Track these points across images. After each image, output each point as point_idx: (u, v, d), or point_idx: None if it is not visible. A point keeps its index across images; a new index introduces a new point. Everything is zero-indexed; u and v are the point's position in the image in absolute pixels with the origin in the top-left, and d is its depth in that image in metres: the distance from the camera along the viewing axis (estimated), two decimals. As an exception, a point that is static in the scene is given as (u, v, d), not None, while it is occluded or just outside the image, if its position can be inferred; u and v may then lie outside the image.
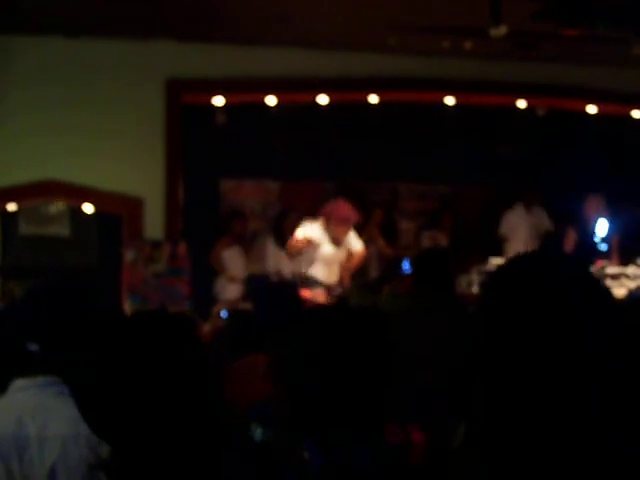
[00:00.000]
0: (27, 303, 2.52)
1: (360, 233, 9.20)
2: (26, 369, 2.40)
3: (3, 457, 2.27)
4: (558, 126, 10.02)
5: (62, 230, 10.34)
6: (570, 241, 9.01)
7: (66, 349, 2.35)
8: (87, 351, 1.90)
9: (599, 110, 9.64)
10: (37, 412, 2.32)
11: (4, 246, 9.62)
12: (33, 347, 2.37)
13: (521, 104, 9.59)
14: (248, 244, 9.90)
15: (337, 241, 8.59)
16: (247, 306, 5.78)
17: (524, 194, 10.02)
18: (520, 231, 9.77)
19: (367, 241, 9.40)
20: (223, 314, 6.13)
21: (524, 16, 6.84)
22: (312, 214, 9.87)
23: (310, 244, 8.59)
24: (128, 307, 8.19)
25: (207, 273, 9.43)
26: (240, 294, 9.15)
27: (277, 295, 4.82)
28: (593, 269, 8.10)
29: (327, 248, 8.59)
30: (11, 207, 8.92)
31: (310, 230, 8.61)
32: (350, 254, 8.76)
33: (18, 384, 2.40)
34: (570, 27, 7.24)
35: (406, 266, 8.43)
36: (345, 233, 8.57)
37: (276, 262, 9.45)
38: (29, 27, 8.26)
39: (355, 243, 8.81)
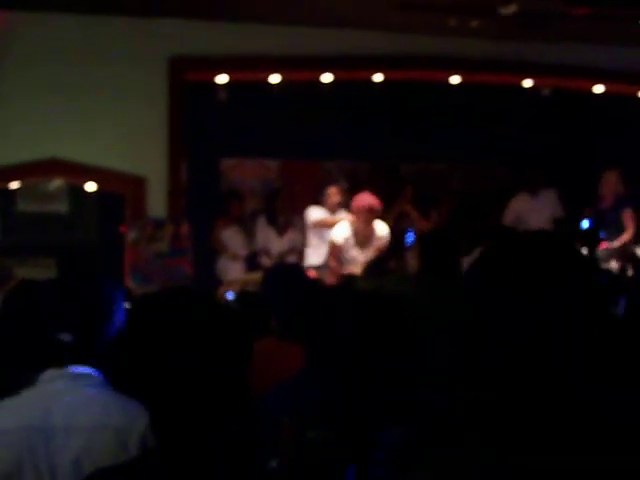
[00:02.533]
0: (58, 292, 2.49)
1: (391, 209, 9.21)
2: (58, 359, 2.37)
3: (30, 447, 2.26)
4: (564, 106, 9.93)
5: (61, 207, 10.27)
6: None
7: (99, 338, 2.34)
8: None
9: (606, 90, 9.56)
10: (66, 403, 2.30)
11: (2, 224, 9.53)
12: (66, 337, 2.33)
13: (527, 84, 9.51)
14: (248, 223, 9.87)
15: (363, 243, 8.37)
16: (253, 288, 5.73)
17: (525, 178, 9.63)
18: (527, 219, 9.32)
19: (400, 216, 9.32)
20: (229, 295, 6.08)
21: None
22: (312, 193, 9.89)
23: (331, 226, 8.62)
24: (130, 286, 8.14)
25: (209, 253, 9.39)
26: (243, 272, 9.15)
27: (284, 277, 4.77)
28: (597, 251, 8.03)
29: (353, 252, 8.39)
30: (14, 185, 8.86)
31: (340, 232, 8.46)
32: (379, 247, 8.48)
33: (48, 375, 2.38)
34: (580, 5, 7.17)
35: (410, 238, 8.36)
36: (370, 221, 8.33)
37: (265, 240, 9.52)
38: (31, 4, 8.16)
39: (382, 234, 8.52)
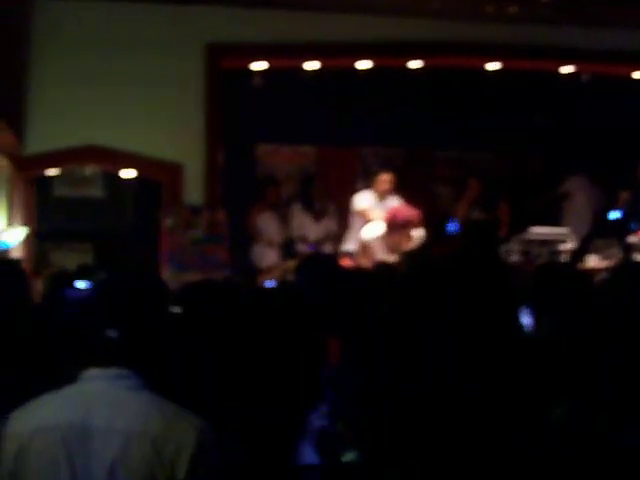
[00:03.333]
0: (109, 289, 2.48)
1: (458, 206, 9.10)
2: (102, 357, 2.33)
3: (67, 445, 2.24)
4: (602, 92, 9.80)
5: (96, 192, 10.32)
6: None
7: (145, 337, 2.32)
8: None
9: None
10: (106, 404, 2.28)
11: (39, 209, 9.60)
12: (112, 333, 2.31)
13: (566, 70, 9.39)
14: (284, 209, 9.86)
15: (394, 250, 7.64)
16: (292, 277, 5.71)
17: (595, 172, 9.70)
18: (576, 200, 9.52)
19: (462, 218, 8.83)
20: (269, 284, 6.08)
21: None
22: (348, 179, 9.87)
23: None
24: (166, 273, 8.18)
25: (245, 239, 9.40)
26: (278, 259, 9.15)
27: (318, 270, 4.75)
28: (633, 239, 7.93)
29: (382, 254, 7.76)
30: (52, 172, 8.93)
31: (371, 232, 8.08)
32: None
33: (90, 373, 2.34)
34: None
35: (451, 227, 8.23)
36: (407, 239, 7.73)
37: (300, 227, 9.48)
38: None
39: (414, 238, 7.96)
